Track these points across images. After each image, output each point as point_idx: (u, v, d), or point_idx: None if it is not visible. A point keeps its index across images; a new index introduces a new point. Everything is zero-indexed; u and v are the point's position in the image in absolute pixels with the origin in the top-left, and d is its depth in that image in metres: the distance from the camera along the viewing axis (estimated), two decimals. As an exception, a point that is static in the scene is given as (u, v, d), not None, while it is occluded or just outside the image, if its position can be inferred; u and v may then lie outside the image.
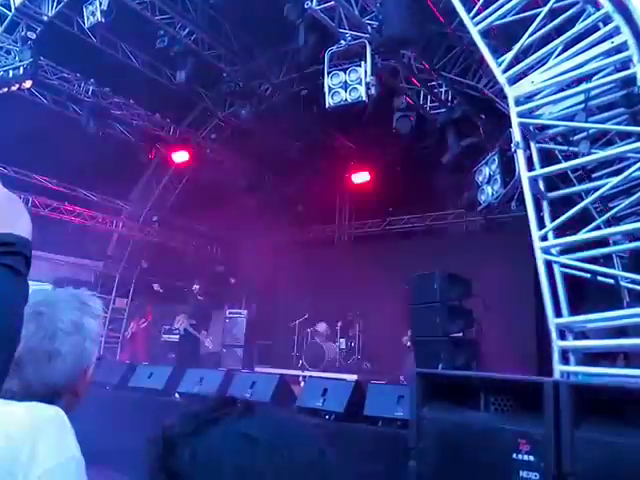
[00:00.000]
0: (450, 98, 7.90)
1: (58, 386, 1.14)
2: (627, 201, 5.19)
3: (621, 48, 4.04)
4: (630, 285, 5.13)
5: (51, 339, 1.13)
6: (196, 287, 9.35)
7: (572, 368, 4.05)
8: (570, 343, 4.22)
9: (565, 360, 4.17)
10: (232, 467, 0.64)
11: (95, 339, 1.21)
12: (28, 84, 8.47)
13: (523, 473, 2.58)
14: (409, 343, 9.03)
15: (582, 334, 4.34)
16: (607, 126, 4.70)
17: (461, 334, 4.95)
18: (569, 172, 6.27)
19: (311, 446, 0.68)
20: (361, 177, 12.49)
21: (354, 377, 7.68)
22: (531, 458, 2.59)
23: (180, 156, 11.14)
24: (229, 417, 0.69)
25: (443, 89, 7.93)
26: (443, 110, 7.72)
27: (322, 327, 11.08)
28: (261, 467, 0.64)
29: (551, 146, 5.22)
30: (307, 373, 9.48)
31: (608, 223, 5.41)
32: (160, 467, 0.68)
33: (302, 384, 8.39)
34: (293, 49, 8.52)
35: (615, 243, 5.94)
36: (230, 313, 12.65)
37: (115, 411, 6.18)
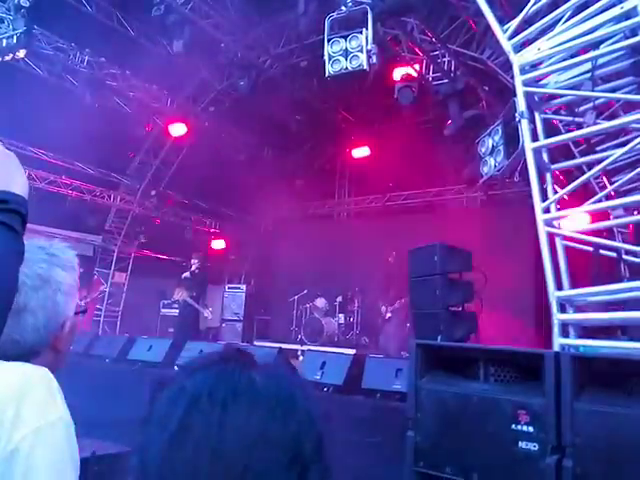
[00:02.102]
0: (453, 69, 7.74)
1: (30, 343, 1.08)
2: (629, 175, 5.10)
3: (630, 14, 3.90)
4: (631, 258, 5.08)
5: (15, 295, 1.07)
6: (195, 262, 9.31)
7: (572, 341, 4.03)
8: (570, 316, 4.19)
9: (565, 333, 4.14)
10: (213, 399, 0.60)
11: (68, 291, 1.14)
12: (22, 53, 8.28)
13: (522, 444, 2.56)
14: (389, 314, 9.09)
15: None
16: (614, 95, 4.58)
17: (460, 307, 4.92)
18: (572, 146, 6.17)
19: (300, 415, 0.64)
20: (361, 152, 12.34)
21: (352, 352, 7.70)
22: (530, 429, 2.57)
23: (178, 129, 10.97)
24: (243, 363, 0.66)
25: (446, 59, 7.76)
26: (446, 81, 7.56)
27: (321, 302, 11.09)
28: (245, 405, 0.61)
29: (556, 116, 5.11)
30: (306, 347, 9.51)
31: (610, 198, 5.33)
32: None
33: (301, 358, 8.43)
34: (293, 19, 8.31)
35: (616, 218, 5.87)
36: (229, 288, 12.66)
37: (114, 383, 6.21)
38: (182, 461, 0.58)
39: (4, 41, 8.06)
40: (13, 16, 8.06)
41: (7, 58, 8.14)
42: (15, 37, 8.01)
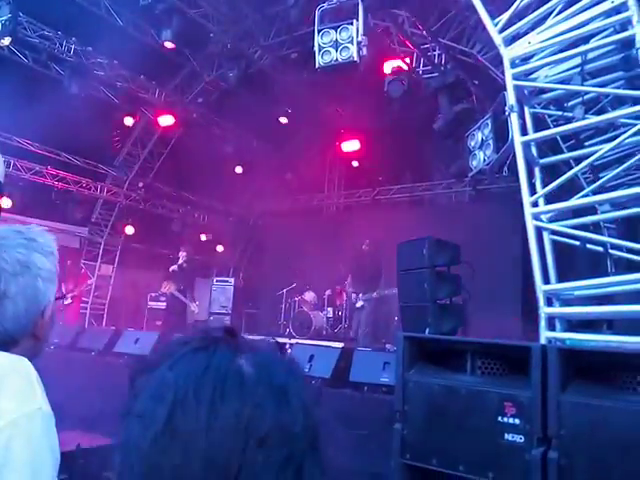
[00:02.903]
0: (444, 62, 7.73)
1: (11, 330, 1.05)
2: (616, 170, 5.13)
3: (620, 9, 3.91)
4: (617, 253, 5.12)
5: None
6: (182, 254, 9.24)
7: (558, 334, 4.05)
8: (557, 310, 4.21)
9: (551, 327, 4.17)
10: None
11: (48, 277, 1.11)
12: (7, 41, 8.14)
13: (508, 436, 2.57)
14: (360, 302, 9.14)
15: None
16: (604, 89, 4.60)
17: (448, 300, 4.93)
18: (560, 141, 6.19)
19: (295, 409, 0.60)
20: (351, 145, 12.31)
21: (341, 345, 7.70)
22: (516, 421, 2.58)
23: (166, 120, 10.86)
24: (233, 346, 0.62)
25: (437, 52, 7.75)
26: (436, 75, 7.55)
27: (310, 296, 11.07)
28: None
29: (545, 110, 5.12)
30: (294, 341, 9.50)
31: (597, 193, 5.36)
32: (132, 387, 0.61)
33: (289, 351, 8.41)
34: (283, 10, 8.24)
35: (603, 213, 5.91)
36: (217, 281, 12.59)
37: (100, 376, 6.15)
38: (171, 467, 0.54)
39: (-12, 28, 7.91)
40: (-2, 3, 7.91)
41: (-8, 45, 8.00)
42: (0, 24, 7.86)
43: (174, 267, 8.90)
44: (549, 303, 4.19)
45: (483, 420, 2.68)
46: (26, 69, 9.29)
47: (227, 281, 12.60)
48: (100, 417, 4.28)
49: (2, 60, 8.67)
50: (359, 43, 5.24)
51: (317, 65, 5.55)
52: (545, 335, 4.03)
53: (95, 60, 9.77)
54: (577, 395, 2.48)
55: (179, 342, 0.63)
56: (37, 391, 0.97)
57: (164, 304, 10.47)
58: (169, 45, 8.41)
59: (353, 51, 5.28)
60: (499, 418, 2.62)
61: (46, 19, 9.01)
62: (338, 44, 5.32)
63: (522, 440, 2.54)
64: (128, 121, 10.94)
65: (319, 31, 5.56)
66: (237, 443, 0.54)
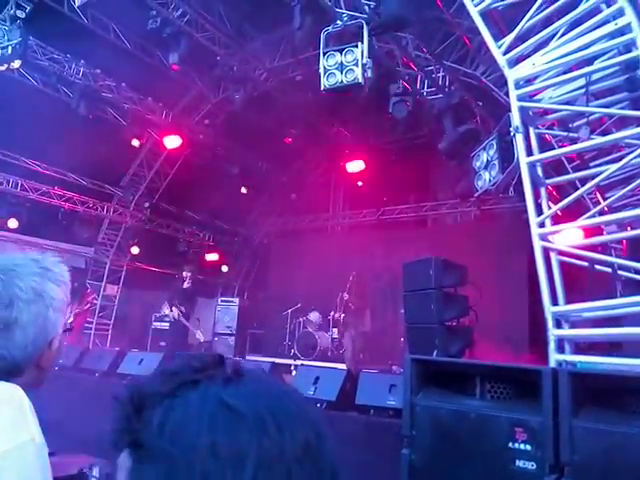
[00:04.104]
0: (448, 84, 7.79)
1: (18, 359, 1.03)
2: (622, 191, 5.12)
3: (624, 30, 3.93)
4: (625, 274, 5.07)
5: (8, 308, 1.01)
6: (187, 274, 9.22)
7: (568, 357, 3.98)
8: (566, 332, 4.15)
9: (560, 349, 4.11)
10: (208, 444, 0.52)
11: (60, 308, 1.09)
12: (17, 64, 8.26)
13: (519, 462, 2.51)
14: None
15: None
16: (609, 110, 4.60)
17: (455, 322, 4.88)
18: (565, 162, 6.19)
19: (307, 426, 0.57)
20: (356, 166, 12.36)
21: (345, 367, 7.62)
22: (528, 447, 2.52)
23: (172, 141, 10.96)
24: (213, 381, 0.57)
25: (441, 74, 7.82)
26: (440, 96, 7.61)
27: (315, 316, 11.00)
28: (244, 448, 0.52)
29: (550, 131, 5.13)
30: (299, 362, 9.41)
31: (603, 214, 5.34)
32: (124, 430, 0.57)
33: (294, 373, 8.33)
34: (288, 33, 8.35)
35: (610, 234, 5.88)
36: (222, 301, 12.55)
37: (104, 398, 6.09)
38: None
39: (-1, 51, 8.05)
40: (9, 27, 8.05)
41: (2, 68, 8.12)
42: (10, 48, 7.99)
43: (177, 288, 8.82)
44: (558, 325, 4.13)
45: (493, 446, 2.61)
46: (34, 90, 9.42)
47: (232, 301, 12.55)
48: (103, 440, 4.21)
49: (11, 82, 8.79)
50: (364, 65, 5.29)
51: (322, 87, 5.59)
52: (555, 358, 3.96)
53: (103, 82, 9.91)
54: (590, 420, 2.42)
55: (174, 377, 0.59)
56: (29, 421, 0.95)
57: (167, 324, 10.41)
58: (176, 68, 8.53)
59: (358, 73, 5.32)
60: (509, 444, 2.56)
61: (55, 42, 9.17)
62: (343, 66, 5.37)
63: (534, 467, 2.48)
64: (135, 142, 11.05)
65: (324, 54, 5.61)
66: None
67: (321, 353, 10.34)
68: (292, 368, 9.12)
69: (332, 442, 0.59)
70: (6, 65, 8.11)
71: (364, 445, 4.19)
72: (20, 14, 8.29)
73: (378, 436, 4.17)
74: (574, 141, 4.86)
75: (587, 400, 2.49)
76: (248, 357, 11.28)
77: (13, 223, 10.49)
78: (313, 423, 0.58)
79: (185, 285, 8.74)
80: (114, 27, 9.00)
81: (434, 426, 2.83)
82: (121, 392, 0.59)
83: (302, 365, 7.85)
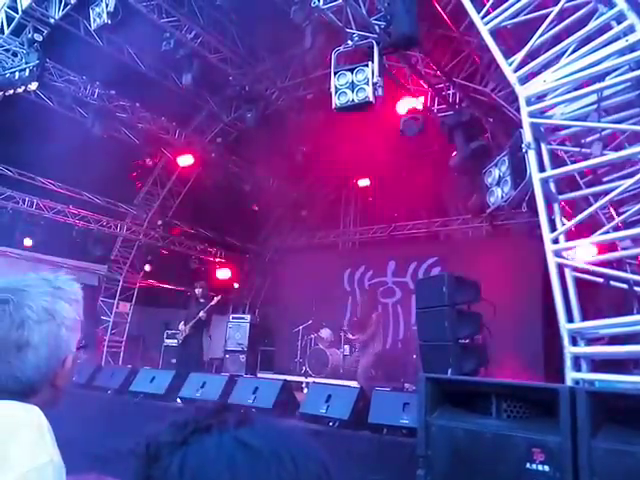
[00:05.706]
0: (458, 101, 7.83)
1: (32, 380, 1.03)
2: (637, 206, 5.07)
3: (635, 47, 3.94)
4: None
5: (19, 328, 1.02)
6: (198, 291, 9.24)
7: (585, 375, 3.92)
8: (582, 349, 4.09)
9: (577, 367, 4.04)
10: None
11: (72, 326, 1.10)
12: (34, 86, 8.44)
13: (538, 484, 2.47)
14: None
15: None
16: (621, 126, 4.59)
17: (469, 339, 4.83)
18: (578, 178, 6.16)
19: (316, 459, 0.60)
20: (367, 182, 12.40)
21: (358, 384, 7.54)
22: (546, 468, 2.47)
23: (185, 160, 11.10)
24: (225, 425, 0.59)
25: (451, 91, 7.87)
26: (451, 113, 7.64)
27: (326, 333, 10.94)
28: None
29: (562, 147, 5.12)
30: (310, 379, 9.34)
31: (617, 229, 5.30)
32: (143, 478, 0.58)
33: (305, 390, 8.27)
34: (299, 53, 8.48)
35: (624, 249, 5.82)
36: (233, 318, 12.54)
37: (116, 416, 6.10)
38: None
39: (17, 74, 8.23)
40: (26, 50, 8.26)
41: (19, 90, 8.30)
42: (28, 70, 8.18)
43: (202, 315, 8.81)
44: (574, 342, 4.08)
45: (510, 467, 2.57)
46: (50, 111, 9.60)
47: (243, 318, 12.53)
48: (116, 457, 4.21)
49: (27, 103, 8.97)
50: (375, 84, 5.34)
51: (334, 106, 5.64)
52: (571, 376, 3.90)
53: (118, 103, 10.08)
54: (609, 441, 2.38)
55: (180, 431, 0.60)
56: (48, 442, 0.95)
57: (178, 342, 10.40)
58: (189, 88, 8.68)
59: (369, 92, 5.37)
60: (527, 465, 2.51)
61: (71, 64, 9.37)
62: (354, 85, 5.42)
63: (552, 489, 2.43)
64: (148, 161, 11.20)
65: (335, 73, 5.68)
66: None
67: (332, 370, 10.27)
68: (303, 385, 9.06)
69: (335, 471, 0.61)
70: (23, 87, 8.29)
71: (378, 465, 4.13)
72: (37, 37, 8.51)
73: (392, 456, 4.12)
74: (587, 157, 4.84)
75: (606, 420, 2.45)
76: (259, 374, 11.23)
77: (28, 241, 10.63)
78: (321, 459, 0.61)
79: (201, 315, 8.75)
80: (128, 49, 9.18)
81: (450, 446, 2.79)
82: (137, 446, 0.61)
83: (314, 382, 7.80)
